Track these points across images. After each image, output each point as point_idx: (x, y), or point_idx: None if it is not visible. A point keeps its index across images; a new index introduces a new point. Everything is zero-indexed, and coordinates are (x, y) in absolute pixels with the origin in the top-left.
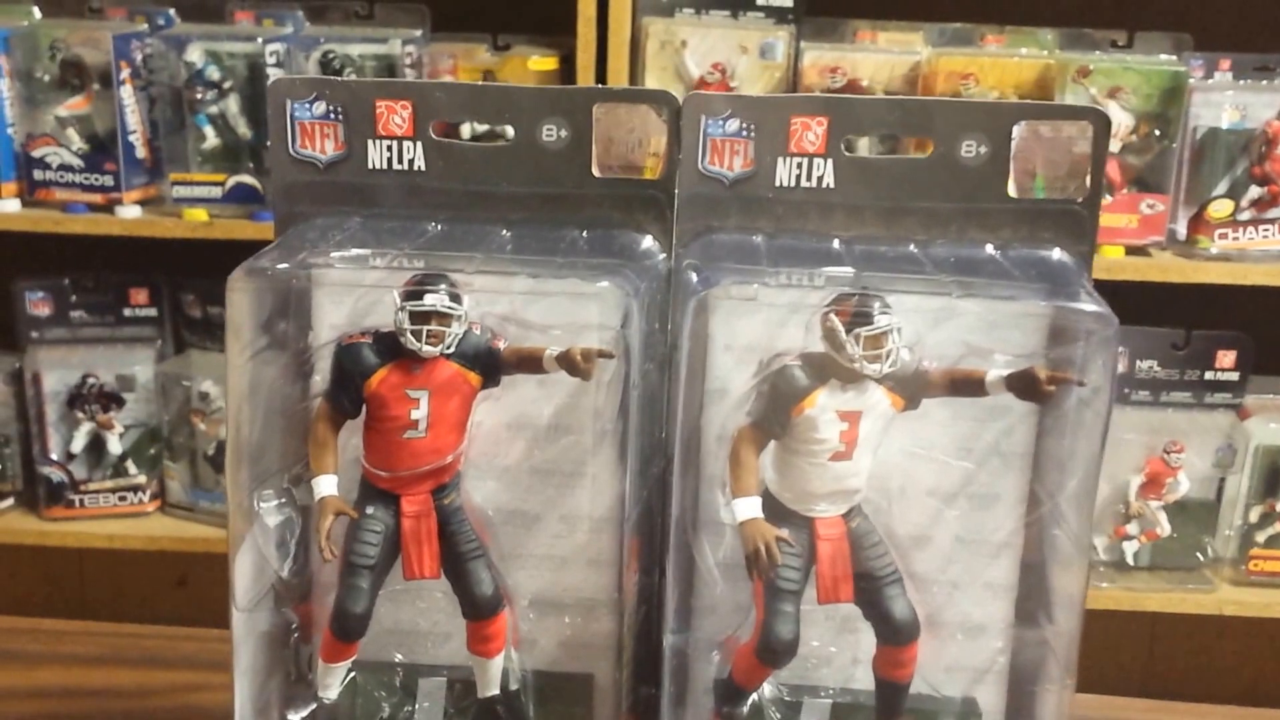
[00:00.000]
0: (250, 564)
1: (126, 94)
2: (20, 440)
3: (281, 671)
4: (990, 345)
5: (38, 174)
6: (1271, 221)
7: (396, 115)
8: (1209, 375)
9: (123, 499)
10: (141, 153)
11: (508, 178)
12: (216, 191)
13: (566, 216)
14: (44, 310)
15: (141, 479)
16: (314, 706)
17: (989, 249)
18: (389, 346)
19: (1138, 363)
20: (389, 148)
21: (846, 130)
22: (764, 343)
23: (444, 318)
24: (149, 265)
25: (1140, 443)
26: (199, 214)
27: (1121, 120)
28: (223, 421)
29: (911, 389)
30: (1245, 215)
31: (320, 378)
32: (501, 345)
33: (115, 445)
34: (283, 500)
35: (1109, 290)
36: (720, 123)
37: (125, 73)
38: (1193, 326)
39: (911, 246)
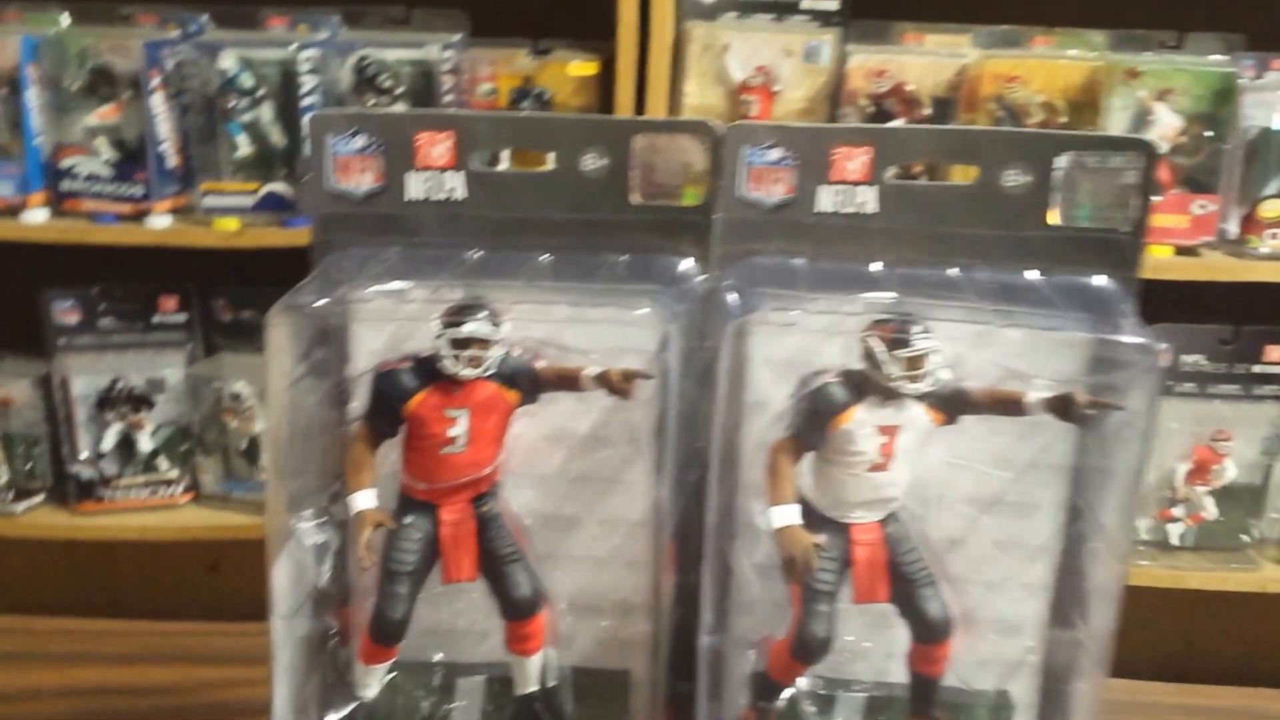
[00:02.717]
0: (289, 574)
1: (157, 102)
2: (49, 440)
3: (320, 673)
4: (1030, 370)
5: (65, 184)
6: None
7: (437, 147)
8: (1257, 369)
9: (154, 493)
10: (173, 162)
11: (548, 205)
12: (248, 201)
13: (605, 242)
14: (72, 319)
15: (174, 474)
16: (354, 706)
17: (1031, 275)
18: (428, 370)
19: (1184, 357)
20: (428, 179)
21: (890, 160)
22: (803, 359)
23: (483, 344)
24: (179, 272)
25: (1187, 432)
26: (230, 223)
27: (1170, 122)
28: (255, 419)
29: (951, 406)
30: None
31: (358, 403)
32: (540, 365)
33: (146, 443)
34: (322, 520)
35: (1155, 287)
36: (762, 152)
37: (156, 80)
38: (1240, 323)
39: (953, 271)
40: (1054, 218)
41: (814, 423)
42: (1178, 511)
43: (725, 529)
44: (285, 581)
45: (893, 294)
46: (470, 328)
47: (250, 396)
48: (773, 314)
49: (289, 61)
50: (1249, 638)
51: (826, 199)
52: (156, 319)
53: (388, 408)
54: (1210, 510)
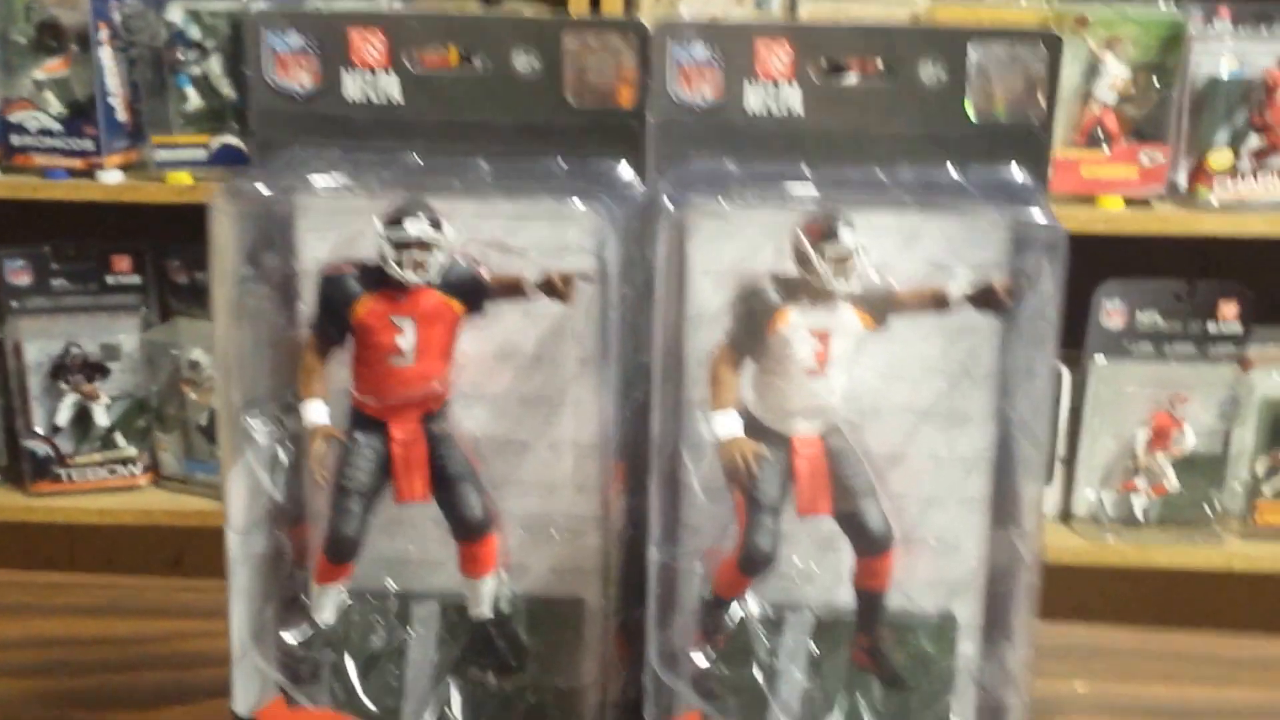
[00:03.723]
0: (244, 487)
1: (106, 55)
2: (3, 415)
3: (277, 596)
4: (953, 261)
5: (15, 139)
6: (1271, 171)
7: (370, 46)
8: (1212, 327)
9: (112, 472)
10: (122, 116)
11: (485, 109)
12: (201, 154)
13: (543, 147)
14: (24, 279)
15: (132, 451)
16: (310, 632)
17: (951, 172)
18: (372, 276)
19: (1139, 314)
20: (364, 81)
21: (811, 54)
22: (741, 266)
23: (425, 246)
24: (132, 231)
25: (1145, 396)
26: (183, 177)
27: (1118, 72)
28: (214, 391)
29: (879, 307)
30: (1245, 165)
31: (306, 306)
32: (485, 273)
33: (102, 417)
34: (273, 427)
35: (1109, 243)
36: (689, 49)
37: (104, 34)
38: (1195, 279)
39: (877, 171)
40: (970, 113)
41: (750, 327)
42: (1140, 482)
43: (670, 443)
44: (240, 495)
45: (817, 193)
46: (411, 228)
47: (210, 365)
48: (703, 205)
49: (237, 14)
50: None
51: (755, 99)
52: (110, 279)
53: (334, 313)
54: (1172, 480)
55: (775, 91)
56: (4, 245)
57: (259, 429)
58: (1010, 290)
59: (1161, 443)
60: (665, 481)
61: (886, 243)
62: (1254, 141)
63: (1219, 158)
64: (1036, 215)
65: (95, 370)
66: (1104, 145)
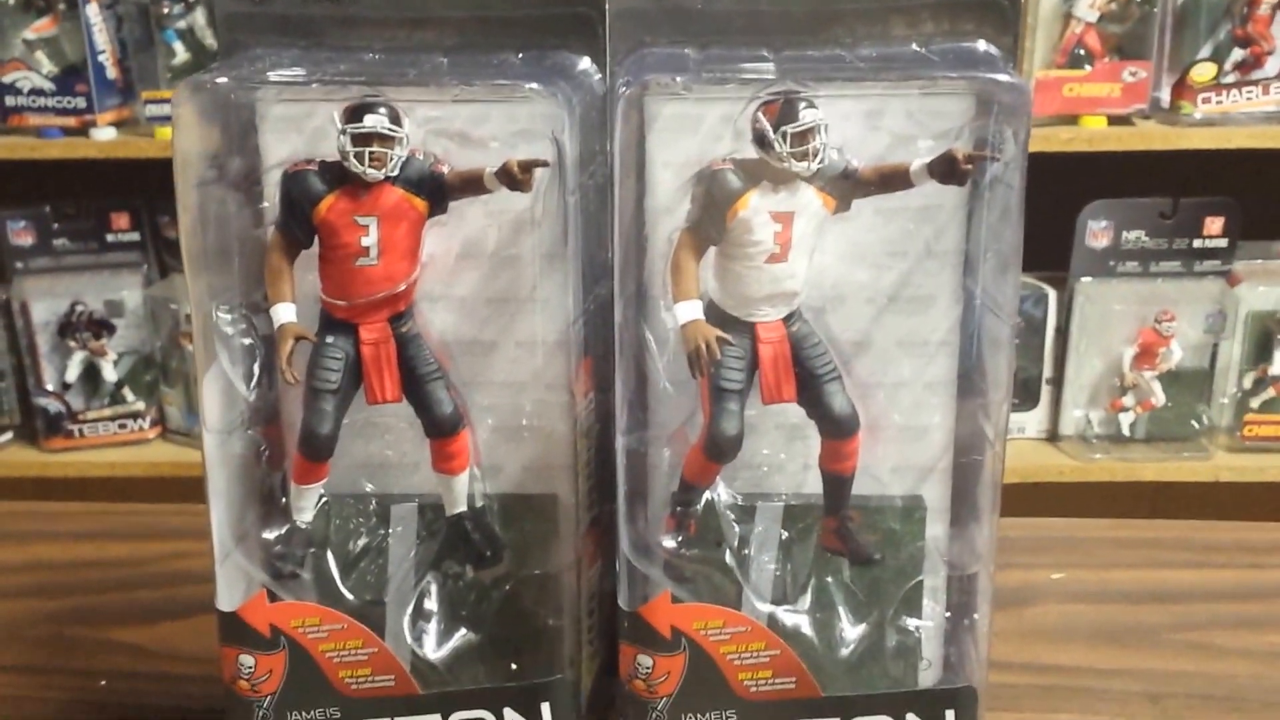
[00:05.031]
0: (219, 388)
1: (93, 13)
2: (14, 374)
3: (257, 497)
4: (914, 132)
5: (9, 100)
6: (1255, 83)
7: None
8: (1197, 243)
9: (122, 426)
10: (112, 73)
11: (440, 2)
12: None
13: (501, 40)
14: (27, 239)
15: (140, 406)
16: (289, 528)
17: (914, 46)
18: (335, 174)
19: (1125, 234)
20: None
21: None
22: (702, 158)
23: (385, 139)
24: (127, 189)
25: (1131, 313)
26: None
27: None
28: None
29: (842, 188)
30: (1229, 78)
31: (270, 205)
32: (445, 170)
33: (110, 373)
34: (244, 325)
35: (1092, 160)
36: None
37: None
38: (1180, 195)
39: (839, 50)
40: None
41: (711, 213)
42: (1127, 400)
43: (633, 334)
44: (214, 397)
45: (773, 72)
46: (371, 120)
47: None
48: (658, 84)
49: None
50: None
51: None
52: (110, 237)
53: (298, 212)
54: (1159, 396)
55: None
56: (5, 206)
57: (230, 329)
58: (970, 158)
59: (1148, 360)
60: (630, 372)
61: (849, 125)
62: (1237, 54)
63: (1201, 72)
64: (998, 76)
65: (102, 327)
66: (1086, 64)
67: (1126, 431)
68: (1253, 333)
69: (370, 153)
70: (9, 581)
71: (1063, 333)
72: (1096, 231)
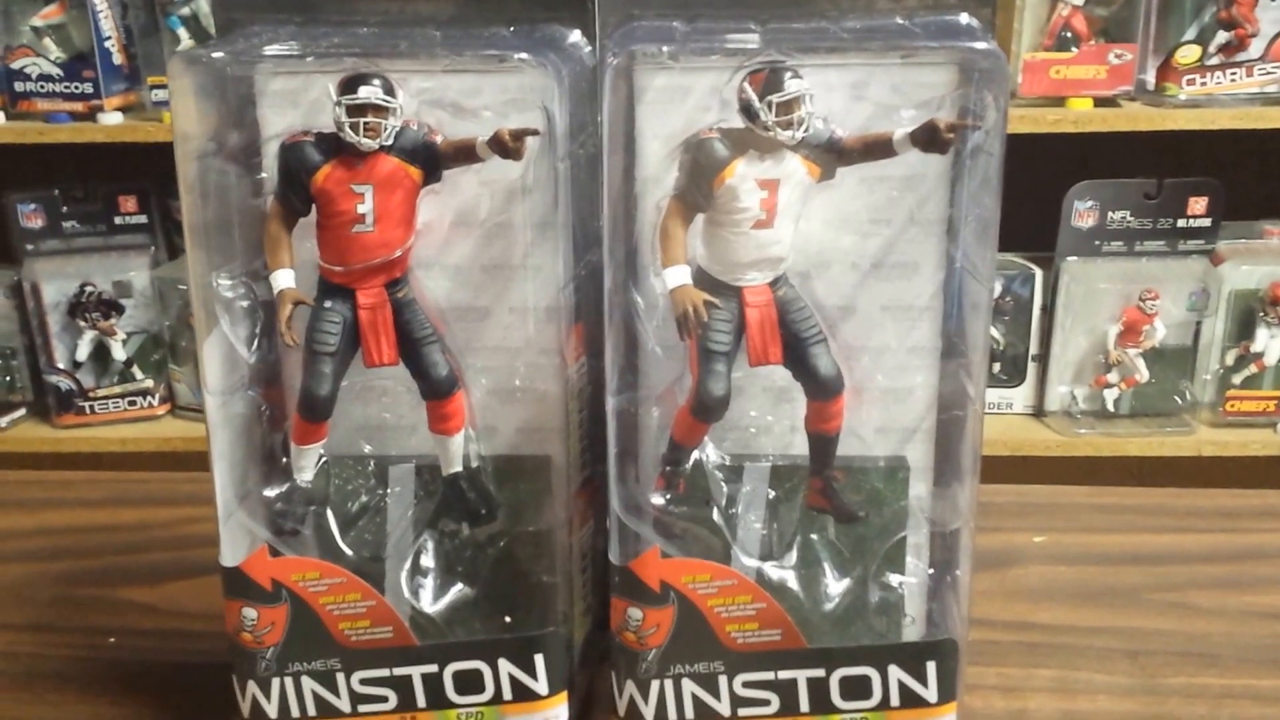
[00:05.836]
0: (220, 352)
1: (99, 0)
2: (26, 352)
3: (258, 457)
4: (897, 101)
5: (19, 85)
6: (1239, 65)
7: None
8: (1181, 223)
9: (132, 403)
10: (118, 59)
11: None
12: None
13: (494, 15)
14: (37, 222)
15: (149, 383)
16: (290, 487)
17: (897, 19)
18: (331, 144)
19: (1110, 214)
20: None
21: None
22: (689, 127)
23: (379, 110)
24: (135, 173)
25: (1116, 292)
26: None
27: None
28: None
29: (827, 157)
30: (1213, 61)
31: (269, 175)
32: (438, 139)
33: (119, 351)
34: (243, 290)
35: (1078, 142)
36: None
37: None
38: (1165, 176)
39: (824, 22)
40: None
41: (699, 180)
42: (1112, 377)
43: (622, 299)
44: (215, 359)
45: (759, 43)
46: (365, 91)
47: None
48: (645, 53)
49: None
50: None
51: None
52: (118, 220)
53: (296, 181)
54: (1143, 372)
55: None
56: (14, 190)
57: (230, 293)
58: (952, 126)
59: (1133, 337)
60: (620, 336)
61: (833, 95)
62: (1221, 37)
63: (1186, 54)
64: (976, 44)
65: (111, 307)
66: (1072, 46)
67: (1111, 407)
68: (1235, 311)
69: (365, 123)
70: (20, 545)
71: (1049, 311)
72: (1082, 211)
